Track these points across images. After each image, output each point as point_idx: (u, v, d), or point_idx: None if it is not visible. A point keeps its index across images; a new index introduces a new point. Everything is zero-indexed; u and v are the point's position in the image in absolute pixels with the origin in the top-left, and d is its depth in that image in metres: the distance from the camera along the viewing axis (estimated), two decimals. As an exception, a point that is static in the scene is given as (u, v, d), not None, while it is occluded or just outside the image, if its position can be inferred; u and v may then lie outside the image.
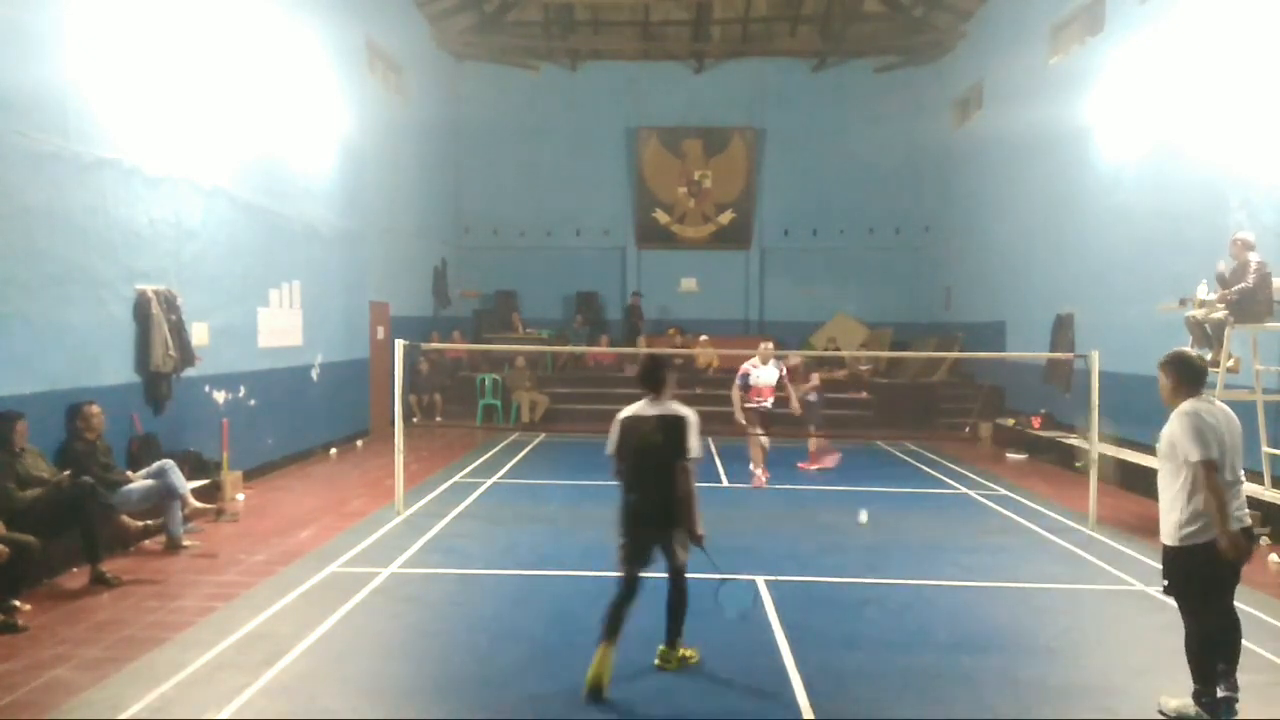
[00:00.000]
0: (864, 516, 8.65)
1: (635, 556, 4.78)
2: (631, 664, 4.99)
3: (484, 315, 19.46)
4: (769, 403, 10.78)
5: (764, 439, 10.77)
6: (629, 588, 4.74)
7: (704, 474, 11.40)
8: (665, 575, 4.81)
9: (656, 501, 4.71)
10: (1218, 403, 4.48)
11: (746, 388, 10.73)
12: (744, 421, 10.71)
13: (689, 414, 4.80)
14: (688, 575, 4.84)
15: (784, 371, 10.98)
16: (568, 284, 20.23)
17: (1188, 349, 4.83)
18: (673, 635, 4.86)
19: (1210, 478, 4.20)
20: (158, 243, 8.58)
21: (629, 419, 4.85)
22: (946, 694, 4.68)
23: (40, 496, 6.25)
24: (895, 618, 5.85)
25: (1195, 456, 4.21)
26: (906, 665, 5.06)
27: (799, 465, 11.94)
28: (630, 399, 5.02)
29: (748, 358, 11.10)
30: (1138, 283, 11.32)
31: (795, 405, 11.27)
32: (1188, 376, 4.42)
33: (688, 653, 4.94)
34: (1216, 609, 4.40)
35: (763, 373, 10.75)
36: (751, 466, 10.74)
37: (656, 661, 4.86)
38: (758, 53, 19.82)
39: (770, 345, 11.17)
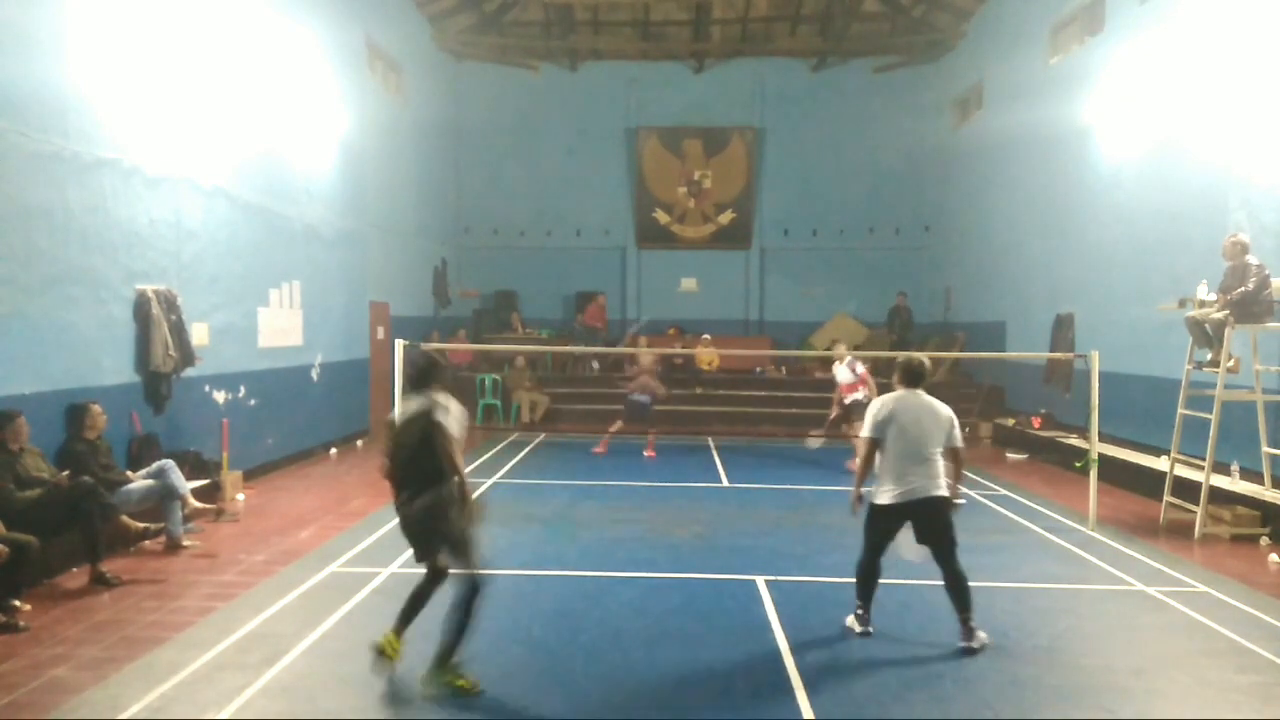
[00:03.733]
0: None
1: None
2: (629, 664, 4.99)
3: (484, 315, 19.45)
4: (852, 398, 11.80)
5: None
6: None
7: (704, 474, 11.50)
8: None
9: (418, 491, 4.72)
10: (921, 395, 5.53)
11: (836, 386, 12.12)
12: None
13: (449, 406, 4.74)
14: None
15: (858, 371, 11.97)
16: (568, 284, 20.23)
17: (915, 355, 5.80)
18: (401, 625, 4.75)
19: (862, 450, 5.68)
20: (158, 243, 8.58)
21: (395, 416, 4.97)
22: (946, 694, 4.68)
23: (40, 496, 6.25)
24: (895, 618, 5.84)
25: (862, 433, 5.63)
26: (906, 665, 5.06)
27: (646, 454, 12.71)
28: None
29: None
30: (1138, 283, 11.33)
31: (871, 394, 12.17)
32: (903, 376, 5.58)
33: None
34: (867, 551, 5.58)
35: (837, 372, 12.05)
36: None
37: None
38: (757, 53, 19.82)
39: (842, 348, 12.34)
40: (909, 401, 5.48)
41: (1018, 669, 5.01)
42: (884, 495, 5.42)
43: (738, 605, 6.07)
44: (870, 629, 5.50)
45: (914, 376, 5.59)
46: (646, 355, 13.23)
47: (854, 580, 5.62)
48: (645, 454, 12.61)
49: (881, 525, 5.49)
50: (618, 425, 12.61)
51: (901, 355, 5.81)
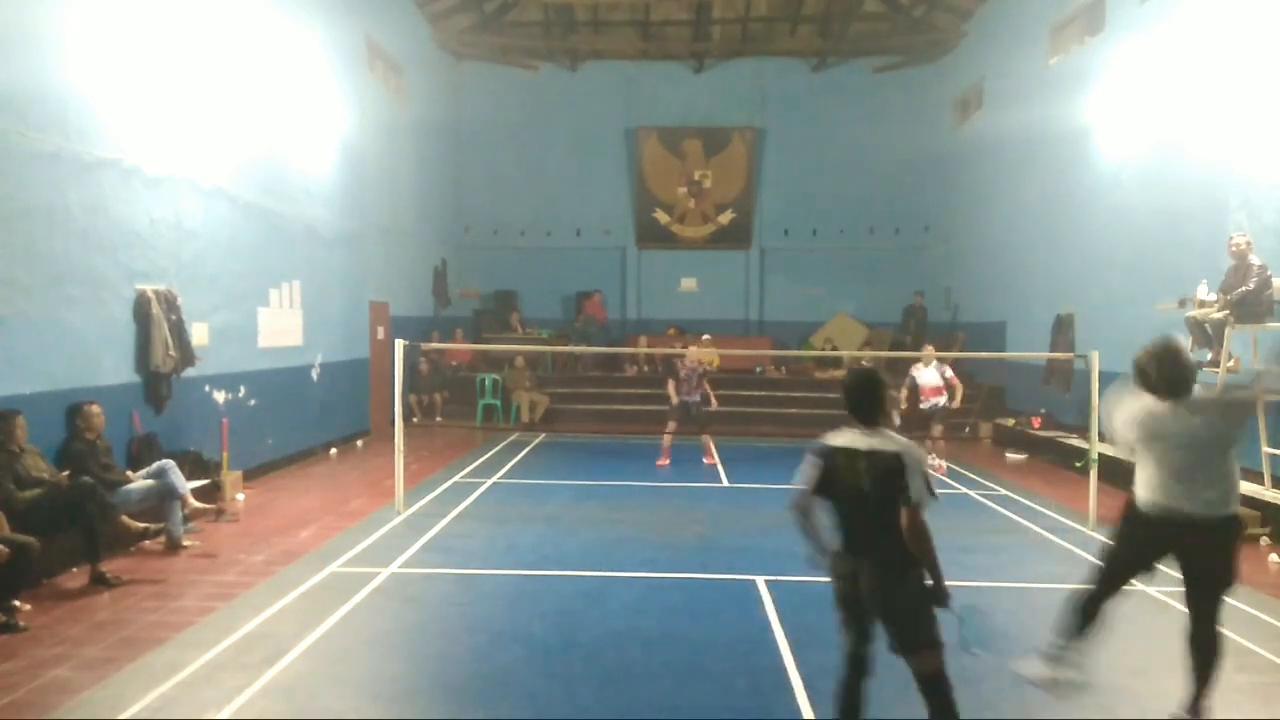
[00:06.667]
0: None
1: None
2: (629, 664, 4.99)
3: (484, 315, 19.46)
4: (933, 402, 11.36)
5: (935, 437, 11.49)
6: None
7: (704, 474, 11.50)
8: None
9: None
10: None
11: (915, 388, 11.48)
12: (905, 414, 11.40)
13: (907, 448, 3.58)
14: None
15: (947, 373, 11.44)
16: (568, 284, 20.24)
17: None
18: None
19: None
20: (158, 243, 8.58)
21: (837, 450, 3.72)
22: (946, 694, 4.67)
23: (40, 496, 6.26)
24: (895, 618, 5.83)
25: None
26: (906, 665, 5.04)
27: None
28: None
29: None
30: (1138, 283, 11.32)
31: (958, 403, 11.65)
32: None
33: None
34: None
35: (924, 374, 11.41)
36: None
37: None
38: (758, 53, 19.82)
39: (930, 349, 11.64)
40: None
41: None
42: None
43: (738, 605, 6.06)
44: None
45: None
46: (694, 353, 12.36)
47: None
48: (705, 461, 12.14)
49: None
50: (672, 427, 11.89)
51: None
